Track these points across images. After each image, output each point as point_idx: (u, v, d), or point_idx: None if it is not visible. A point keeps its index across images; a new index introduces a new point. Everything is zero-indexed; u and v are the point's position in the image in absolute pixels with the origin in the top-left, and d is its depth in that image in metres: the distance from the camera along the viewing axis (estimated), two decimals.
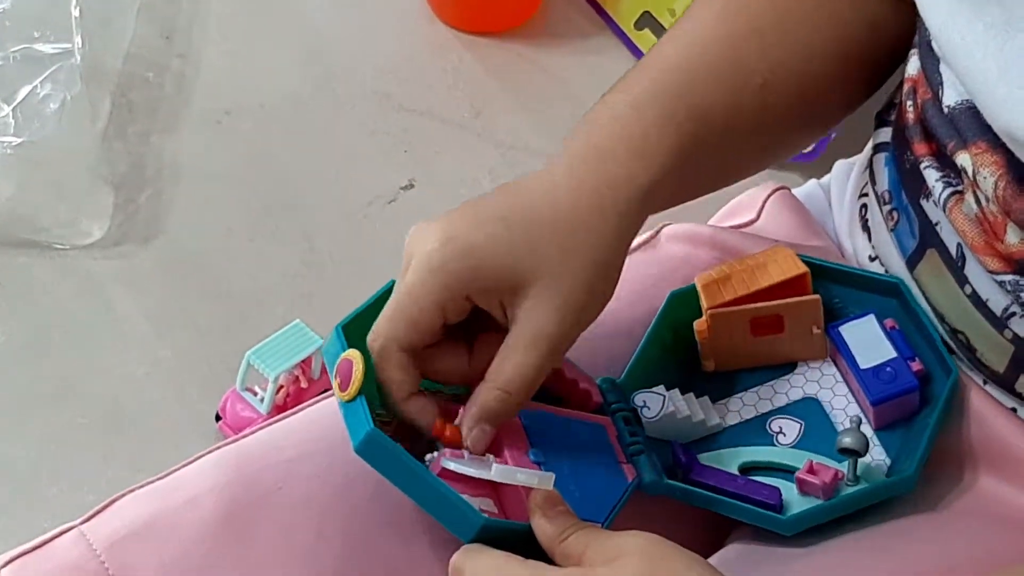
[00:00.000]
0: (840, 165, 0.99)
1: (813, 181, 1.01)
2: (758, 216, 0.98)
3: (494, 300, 0.79)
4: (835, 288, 0.89)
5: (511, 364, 0.79)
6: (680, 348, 0.89)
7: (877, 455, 0.85)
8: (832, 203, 0.98)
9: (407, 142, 1.72)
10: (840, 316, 0.89)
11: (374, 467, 0.77)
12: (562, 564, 0.75)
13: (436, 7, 1.80)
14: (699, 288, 0.88)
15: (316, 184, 1.69)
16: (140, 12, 1.78)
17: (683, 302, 0.89)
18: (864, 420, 0.86)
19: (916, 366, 0.86)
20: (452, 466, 0.78)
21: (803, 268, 0.87)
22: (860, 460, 0.82)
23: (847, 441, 0.81)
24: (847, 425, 0.85)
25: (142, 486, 0.85)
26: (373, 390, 0.80)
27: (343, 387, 0.79)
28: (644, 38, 1.78)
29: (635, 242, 0.96)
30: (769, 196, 0.98)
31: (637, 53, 1.78)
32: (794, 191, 0.99)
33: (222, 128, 1.73)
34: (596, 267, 0.80)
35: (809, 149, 1.61)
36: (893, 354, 0.86)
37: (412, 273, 0.79)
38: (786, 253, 0.88)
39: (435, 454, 0.79)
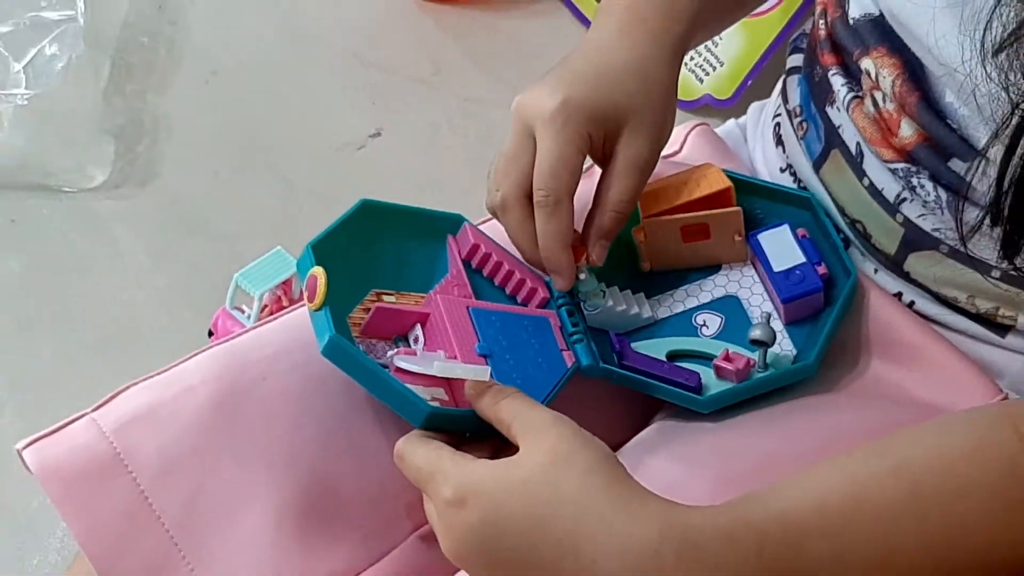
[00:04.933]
0: (754, 106, 1.06)
1: (731, 120, 1.07)
2: (681, 148, 1.01)
3: (598, 141, 0.86)
4: (756, 200, 0.92)
5: (619, 187, 0.86)
6: (621, 250, 0.91)
7: (785, 346, 0.88)
8: (747, 136, 1.03)
9: (374, 95, 1.74)
10: (760, 225, 0.91)
11: (338, 366, 0.79)
12: (499, 430, 0.77)
13: None
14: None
15: (293, 133, 1.70)
16: None
17: None
18: (775, 316, 0.89)
19: (822, 270, 0.88)
20: (402, 364, 0.80)
21: (728, 183, 0.89)
22: (769, 350, 0.85)
23: (757, 334, 0.84)
24: (760, 320, 0.89)
25: (146, 378, 0.87)
26: (338, 301, 0.82)
27: (310, 299, 0.81)
28: (588, 3, 1.81)
29: None
30: (691, 131, 1.01)
31: (582, 18, 1.81)
32: (715, 129, 1.04)
33: (209, 87, 1.76)
34: (664, 100, 0.88)
35: (729, 96, 1.72)
36: (802, 259, 0.89)
37: (545, 132, 0.84)
38: (714, 169, 0.90)
39: (396, 350, 0.82)
